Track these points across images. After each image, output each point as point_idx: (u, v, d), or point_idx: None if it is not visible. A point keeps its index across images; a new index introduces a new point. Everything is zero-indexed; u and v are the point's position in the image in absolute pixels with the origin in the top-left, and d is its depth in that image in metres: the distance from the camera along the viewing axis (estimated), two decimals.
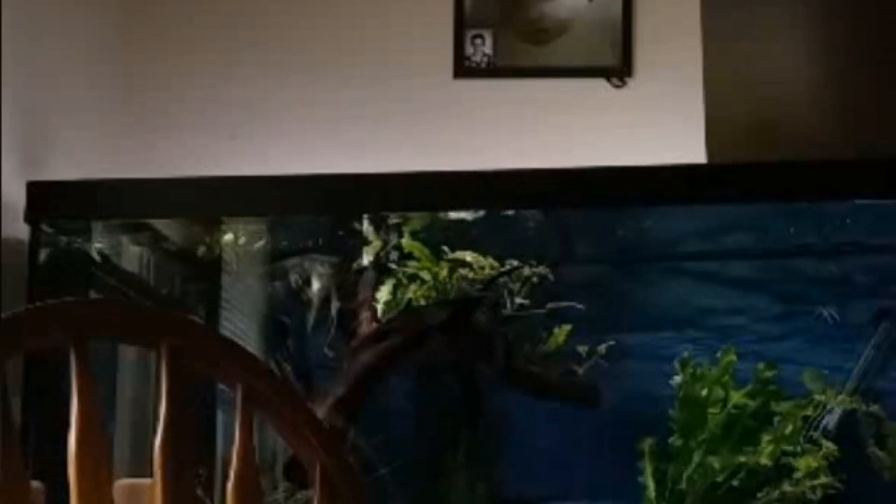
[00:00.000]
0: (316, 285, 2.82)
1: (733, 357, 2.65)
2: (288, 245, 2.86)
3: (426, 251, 2.73)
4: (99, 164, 2.88)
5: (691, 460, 2.63)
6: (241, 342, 1.58)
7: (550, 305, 2.73)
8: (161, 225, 2.79)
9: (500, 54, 3.04)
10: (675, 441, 2.65)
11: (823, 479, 2.58)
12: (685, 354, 2.66)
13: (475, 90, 3.04)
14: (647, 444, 2.65)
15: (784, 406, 2.64)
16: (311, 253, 2.83)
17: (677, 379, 2.66)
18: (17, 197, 2.56)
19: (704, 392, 2.64)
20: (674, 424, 2.65)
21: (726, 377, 2.64)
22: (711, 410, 2.64)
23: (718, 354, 2.66)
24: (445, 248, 2.73)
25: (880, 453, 2.61)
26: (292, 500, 2.62)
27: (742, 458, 2.62)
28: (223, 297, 2.86)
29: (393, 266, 2.75)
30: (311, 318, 2.83)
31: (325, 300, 2.80)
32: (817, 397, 2.65)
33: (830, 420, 2.65)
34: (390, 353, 2.71)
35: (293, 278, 2.85)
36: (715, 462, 2.61)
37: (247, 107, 3.07)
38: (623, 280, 2.86)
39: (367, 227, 2.76)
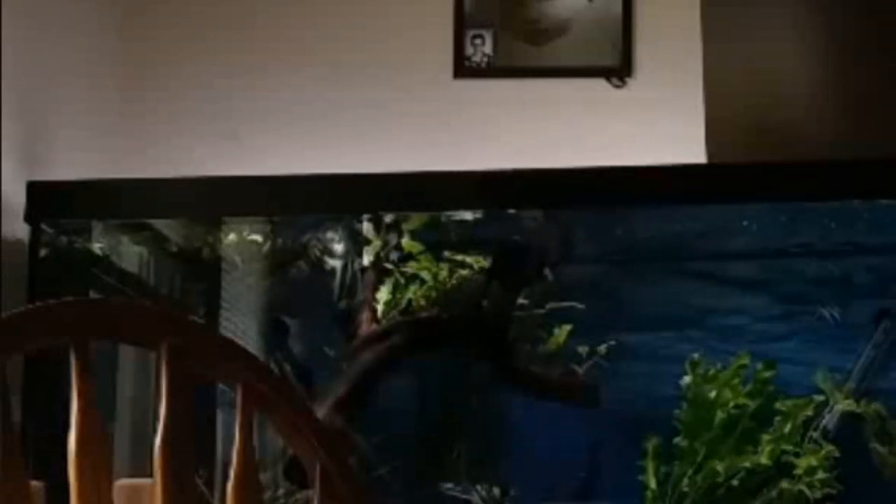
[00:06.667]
0: (316, 285, 2.82)
1: (746, 361, 2.64)
2: (288, 245, 2.86)
3: (426, 251, 2.73)
4: (99, 164, 2.88)
5: (696, 461, 2.63)
6: (241, 342, 1.58)
7: (550, 305, 2.73)
8: (161, 225, 2.79)
9: (500, 54, 3.04)
10: (681, 441, 2.64)
11: (822, 475, 2.57)
12: (695, 356, 2.66)
13: (475, 90, 3.04)
14: (651, 443, 2.64)
15: (784, 406, 2.64)
16: (311, 253, 2.83)
17: (686, 379, 2.66)
18: (17, 197, 2.56)
19: (713, 394, 2.63)
20: (680, 425, 2.65)
21: (736, 380, 2.64)
22: (718, 412, 2.63)
23: (732, 359, 2.66)
24: (446, 250, 2.73)
25: (882, 449, 2.61)
26: (292, 500, 2.62)
27: (743, 459, 2.62)
28: (223, 297, 2.86)
29: (393, 266, 2.74)
30: (312, 317, 2.83)
31: (325, 300, 2.80)
32: (820, 397, 2.65)
33: (830, 420, 2.65)
34: (390, 353, 2.71)
35: (293, 278, 2.85)
36: (718, 465, 2.61)
37: (247, 107, 3.07)
38: (623, 280, 2.85)
39: (367, 227, 2.76)
